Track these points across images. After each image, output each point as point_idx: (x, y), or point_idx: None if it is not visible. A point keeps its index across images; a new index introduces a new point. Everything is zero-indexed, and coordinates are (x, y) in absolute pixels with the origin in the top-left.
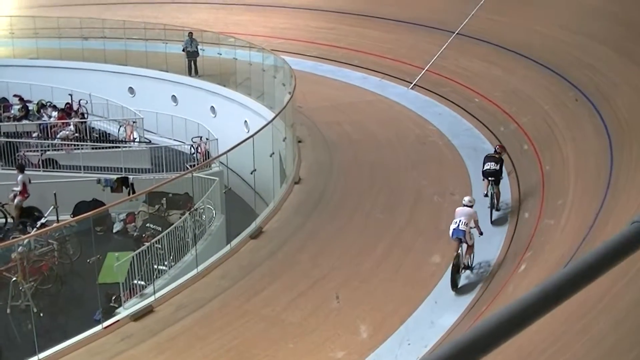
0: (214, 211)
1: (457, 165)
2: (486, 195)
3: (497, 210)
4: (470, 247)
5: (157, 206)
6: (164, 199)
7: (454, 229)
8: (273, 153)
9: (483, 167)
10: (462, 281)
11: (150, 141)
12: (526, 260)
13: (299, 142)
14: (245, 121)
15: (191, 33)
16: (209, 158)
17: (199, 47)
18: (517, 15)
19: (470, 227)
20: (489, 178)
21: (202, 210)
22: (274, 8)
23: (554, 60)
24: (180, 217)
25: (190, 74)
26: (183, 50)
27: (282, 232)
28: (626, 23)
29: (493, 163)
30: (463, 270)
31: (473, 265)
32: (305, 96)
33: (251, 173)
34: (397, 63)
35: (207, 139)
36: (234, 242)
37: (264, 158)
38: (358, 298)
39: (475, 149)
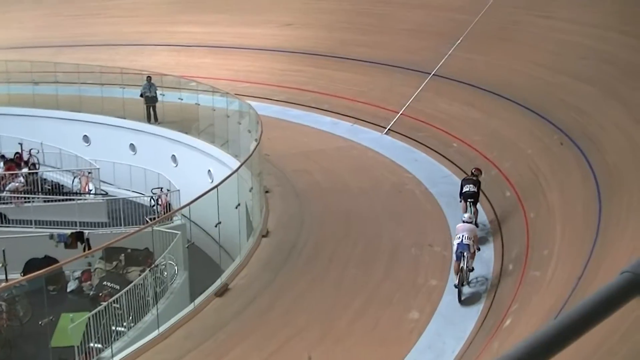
0: (176, 267)
1: (435, 214)
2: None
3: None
4: (473, 255)
5: (115, 263)
6: (123, 254)
7: (458, 244)
8: (239, 204)
9: (462, 190)
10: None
11: (107, 193)
12: (512, 314)
13: (267, 192)
14: (209, 170)
15: (150, 77)
16: (170, 210)
17: (158, 91)
18: (497, 54)
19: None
20: (469, 200)
21: (163, 266)
22: (237, 50)
23: (536, 101)
24: (140, 274)
25: (149, 121)
26: (141, 96)
27: (249, 289)
28: (612, 61)
29: (472, 185)
30: (465, 283)
31: (470, 280)
32: (273, 143)
33: (216, 226)
34: (370, 107)
35: (168, 190)
36: (198, 300)
37: (230, 210)
38: (332, 358)
39: (455, 197)
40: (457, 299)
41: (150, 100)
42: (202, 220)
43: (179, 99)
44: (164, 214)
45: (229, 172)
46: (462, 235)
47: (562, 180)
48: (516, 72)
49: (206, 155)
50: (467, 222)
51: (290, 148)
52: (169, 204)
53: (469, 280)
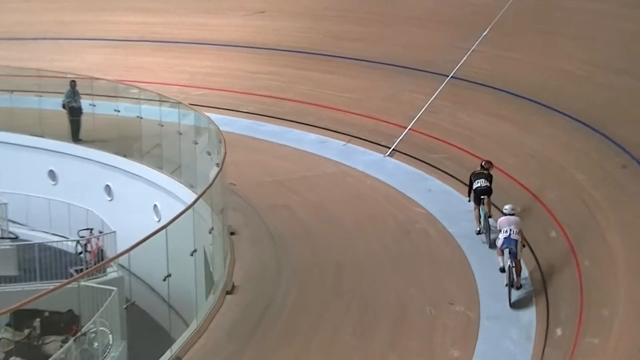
0: (110, 336)
1: (456, 262)
2: (480, 229)
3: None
4: (519, 263)
5: (27, 330)
6: (38, 319)
7: (504, 238)
8: (195, 250)
9: (473, 186)
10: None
11: (17, 237)
12: None
13: (232, 234)
14: (155, 206)
15: (74, 82)
16: (103, 259)
17: (85, 101)
18: (534, 50)
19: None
20: (482, 196)
21: (93, 334)
22: (193, 46)
23: (590, 112)
24: (61, 346)
25: (75, 140)
26: (64, 107)
27: None
28: None
29: (483, 180)
30: (516, 286)
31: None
32: (241, 169)
33: (164, 279)
34: (369, 120)
35: (100, 233)
36: None
37: (183, 258)
38: None
39: (483, 238)
40: None
41: (76, 113)
42: (145, 273)
43: (116, 110)
44: (95, 264)
45: (182, 208)
46: (510, 230)
47: (625, 217)
48: (561, 73)
49: (152, 185)
50: (510, 214)
51: (263, 175)
52: (102, 251)
53: (520, 282)
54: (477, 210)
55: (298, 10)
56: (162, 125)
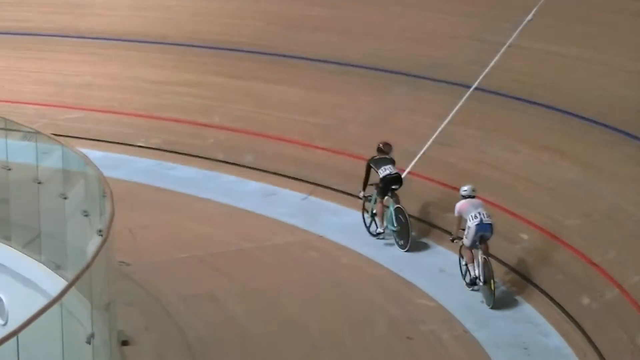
0: None
1: None
2: (384, 230)
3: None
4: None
5: None
6: None
7: (477, 225)
8: None
9: (381, 174)
10: None
11: None
12: None
13: (125, 344)
14: (0, 299)
15: None
16: None
17: None
18: (610, 44)
19: None
20: (392, 186)
21: None
22: (63, 40)
23: None
24: None
25: None
26: None
27: None
28: None
29: (391, 166)
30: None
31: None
32: (140, 238)
33: None
34: (343, 158)
35: None
36: None
37: None
38: None
39: (527, 347)
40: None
41: None
42: None
43: None
44: None
45: (43, 303)
46: (480, 214)
47: None
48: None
49: None
50: (470, 196)
51: (175, 248)
52: None
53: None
54: (381, 204)
55: None
56: (9, 169)
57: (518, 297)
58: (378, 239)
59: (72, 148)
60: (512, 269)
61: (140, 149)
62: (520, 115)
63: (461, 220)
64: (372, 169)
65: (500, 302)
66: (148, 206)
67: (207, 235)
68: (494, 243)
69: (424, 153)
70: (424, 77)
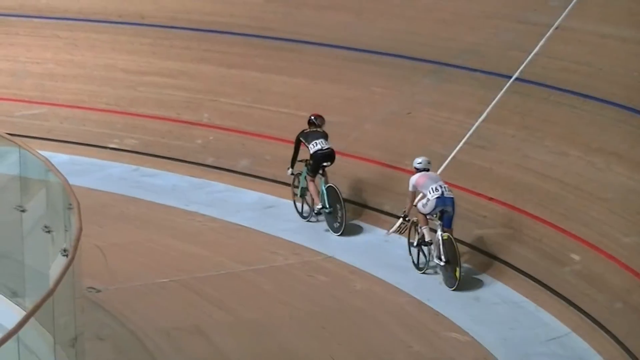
0: None
1: None
2: (320, 208)
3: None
4: (452, 233)
5: None
6: None
7: (437, 198)
8: None
9: (312, 149)
10: None
11: None
12: None
13: None
14: None
15: None
16: None
17: None
18: None
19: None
20: (324, 163)
21: None
22: (18, 20)
23: None
24: None
25: None
26: None
27: None
28: None
29: (323, 140)
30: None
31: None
32: (112, 259)
33: None
34: (355, 162)
35: None
36: None
37: None
38: None
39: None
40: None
41: None
42: None
43: None
44: None
45: None
46: (441, 187)
47: None
48: None
49: None
50: (426, 168)
51: (155, 271)
52: None
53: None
54: (313, 183)
55: None
56: None
57: (566, 333)
58: (310, 221)
59: (32, 150)
60: (561, 296)
61: (113, 151)
62: (569, 112)
63: (415, 195)
64: (302, 144)
65: (543, 334)
66: (122, 221)
67: (193, 256)
68: (539, 264)
69: (453, 157)
70: (453, 66)
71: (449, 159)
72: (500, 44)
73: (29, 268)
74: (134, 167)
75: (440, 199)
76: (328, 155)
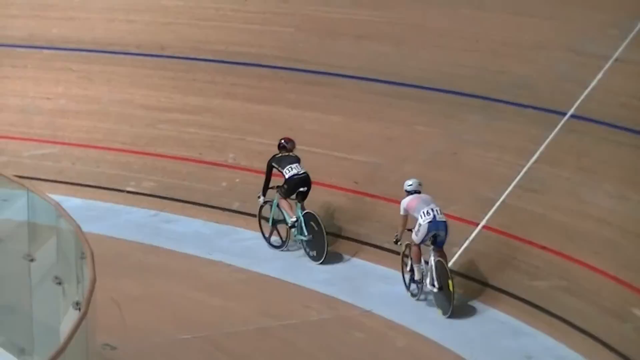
0: None
1: None
2: (292, 226)
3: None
4: (445, 257)
5: None
6: None
7: (429, 223)
8: None
9: (287, 174)
10: None
11: None
12: None
13: None
14: None
15: None
16: None
17: None
18: None
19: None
20: (301, 188)
21: None
22: (27, 50)
23: None
24: None
25: None
26: None
27: None
28: None
29: (297, 164)
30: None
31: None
32: (130, 314)
33: None
34: (391, 205)
35: None
36: None
37: None
38: None
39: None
40: None
41: None
42: None
43: None
44: None
45: None
46: (433, 210)
47: None
48: None
49: None
50: (417, 190)
51: (176, 327)
52: None
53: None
54: (285, 200)
55: None
56: None
57: None
58: (285, 249)
59: (41, 194)
60: (622, 355)
61: (130, 195)
62: (630, 152)
63: (407, 219)
64: (274, 169)
65: None
66: (140, 271)
67: (218, 310)
68: (597, 319)
69: (503, 201)
70: (503, 101)
71: (498, 203)
72: (554, 77)
73: (38, 323)
74: (152, 212)
75: (433, 222)
76: (304, 181)
